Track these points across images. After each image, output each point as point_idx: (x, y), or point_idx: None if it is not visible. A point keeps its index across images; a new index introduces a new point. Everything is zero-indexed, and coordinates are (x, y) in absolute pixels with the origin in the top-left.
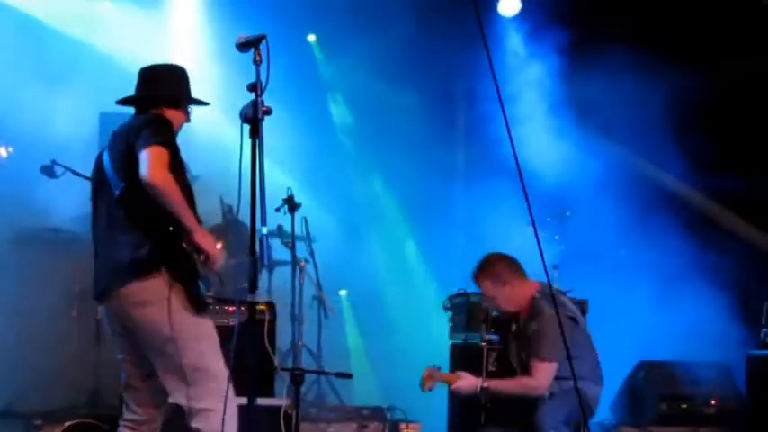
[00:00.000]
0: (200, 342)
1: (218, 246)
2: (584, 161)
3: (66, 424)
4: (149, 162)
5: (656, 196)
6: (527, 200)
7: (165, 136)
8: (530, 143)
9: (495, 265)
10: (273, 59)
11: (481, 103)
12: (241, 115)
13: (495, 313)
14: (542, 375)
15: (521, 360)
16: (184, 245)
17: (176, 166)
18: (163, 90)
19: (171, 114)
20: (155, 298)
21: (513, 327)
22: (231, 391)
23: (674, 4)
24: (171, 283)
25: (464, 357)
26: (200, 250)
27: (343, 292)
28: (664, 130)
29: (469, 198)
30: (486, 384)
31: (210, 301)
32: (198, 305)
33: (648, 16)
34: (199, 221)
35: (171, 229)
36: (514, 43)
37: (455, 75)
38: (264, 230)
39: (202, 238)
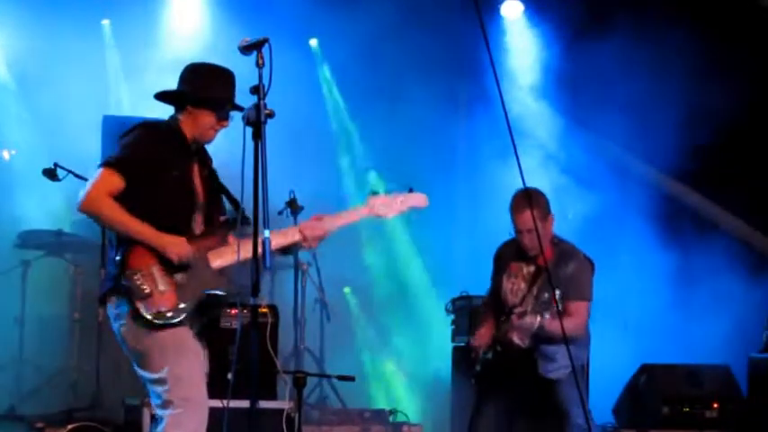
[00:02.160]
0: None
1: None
2: (586, 162)
3: (69, 427)
4: (87, 186)
5: (657, 198)
6: (531, 205)
7: (126, 152)
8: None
9: (541, 197)
10: (275, 61)
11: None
12: (243, 118)
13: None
14: (585, 315)
15: (537, 300)
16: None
17: (159, 177)
18: (190, 87)
19: (194, 114)
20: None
21: (527, 269)
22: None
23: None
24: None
25: (466, 360)
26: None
27: (347, 290)
28: (663, 130)
29: (472, 199)
30: (544, 323)
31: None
32: (147, 323)
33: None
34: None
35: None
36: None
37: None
38: (267, 233)
39: (158, 241)
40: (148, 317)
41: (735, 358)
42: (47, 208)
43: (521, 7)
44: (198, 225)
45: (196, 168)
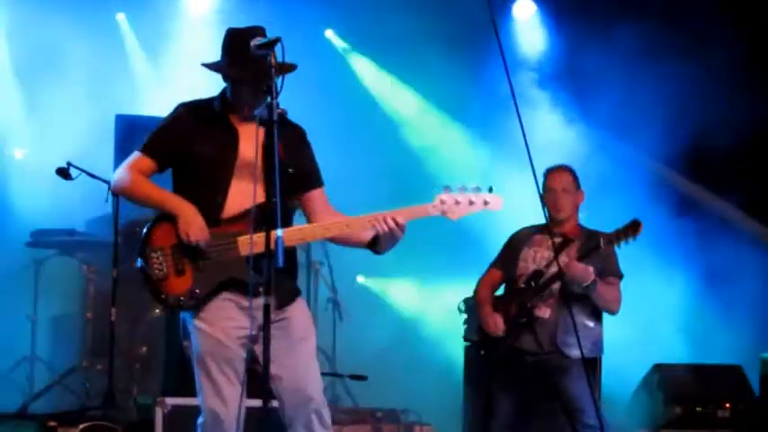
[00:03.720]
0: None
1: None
2: (591, 158)
3: (81, 426)
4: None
5: (668, 199)
6: (545, 214)
7: (152, 133)
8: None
9: (573, 170)
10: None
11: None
12: (255, 117)
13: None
14: (620, 291)
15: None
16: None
17: (187, 156)
18: (221, 60)
19: (231, 87)
20: None
21: (554, 239)
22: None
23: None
24: None
25: (479, 359)
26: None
27: (360, 279)
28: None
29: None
30: (596, 279)
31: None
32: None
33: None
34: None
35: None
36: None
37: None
38: (280, 233)
39: (177, 210)
40: (163, 306)
41: (747, 358)
42: (59, 207)
43: (533, 8)
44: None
45: (253, 138)
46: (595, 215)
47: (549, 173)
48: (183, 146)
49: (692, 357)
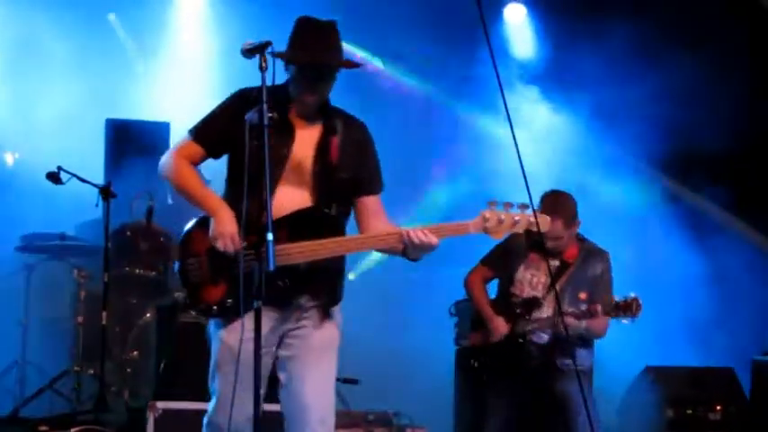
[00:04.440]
0: None
1: (220, 228)
2: (589, 155)
3: (72, 430)
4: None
5: (660, 199)
6: (534, 212)
7: (202, 119)
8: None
9: (569, 204)
10: (279, 65)
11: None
12: (246, 121)
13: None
14: (608, 321)
15: (562, 296)
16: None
17: (235, 148)
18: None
19: (291, 79)
20: None
21: (550, 262)
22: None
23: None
24: None
25: (470, 363)
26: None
27: (351, 276)
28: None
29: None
30: (587, 326)
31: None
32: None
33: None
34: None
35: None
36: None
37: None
38: (270, 237)
39: (212, 213)
40: (195, 311)
41: (739, 361)
42: (50, 212)
43: (524, 11)
44: (294, 206)
45: (309, 140)
46: (585, 208)
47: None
48: (233, 136)
49: (684, 360)
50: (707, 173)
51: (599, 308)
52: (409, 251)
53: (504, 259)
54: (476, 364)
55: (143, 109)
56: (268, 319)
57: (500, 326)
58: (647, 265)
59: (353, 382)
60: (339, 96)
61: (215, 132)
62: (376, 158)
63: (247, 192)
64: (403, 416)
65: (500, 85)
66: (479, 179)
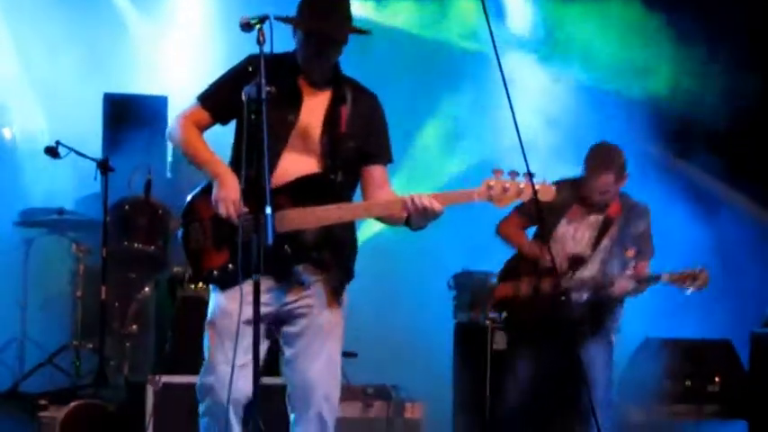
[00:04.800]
0: None
1: (223, 194)
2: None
3: (72, 404)
4: None
5: (659, 170)
6: (533, 184)
7: (211, 85)
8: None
9: (620, 157)
10: (278, 38)
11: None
12: (244, 96)
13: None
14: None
15: (609, 254)
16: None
17: (242, 114)
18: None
19: (299, 47)
20: None
21: (594, 217)
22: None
23: None
24: None
25: (468, 336)
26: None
27: None
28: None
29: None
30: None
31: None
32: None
33: None
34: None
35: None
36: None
37: None
38: (269, 210)
39: (215, 177)
40: (196, 276)
41: (737, 333)
42: (49, 186)
43: None
44: (299, 172)
45: (317, 107)
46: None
47: (591, 173)
48: (240, 102)
49: (683, 332)
50: (706, 144)
51: (647, 271)
52: (413, 219)
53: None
54: (504, 315)
55: (141, 83)
56: (267, 287)
57: (537, 250)
58: None
59: (352, 355)
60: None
61: (222, 98)
62: (385, 130)
63: (249, 159)
64: (401, 389)
65: (495, 51)
66: (481, 149)
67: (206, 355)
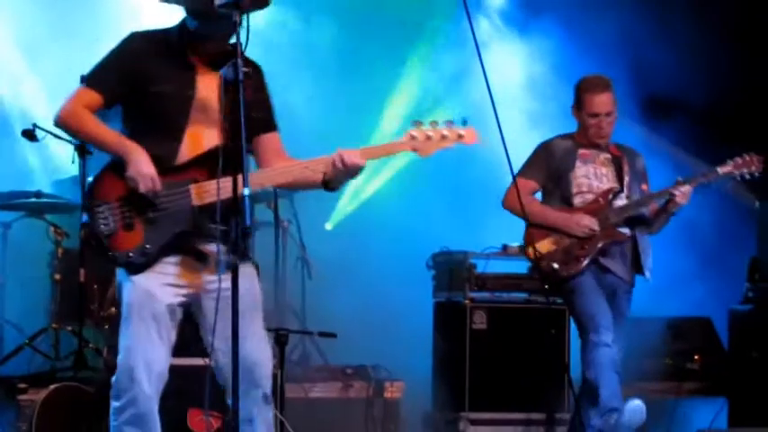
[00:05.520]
0: None
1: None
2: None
3: (51, 387)
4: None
5: (636, 145)
6: (509, 162)
7: (98, 66)
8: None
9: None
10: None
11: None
12: (221, 77)
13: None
14: None
15: (637, 191)
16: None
17: (138, 92)
18: None
19: (195, 24)
20: None
21: (603, 155)
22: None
23: None
24: None
25: (448, 316)
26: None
27: (328, 226)
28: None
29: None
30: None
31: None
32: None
33: None
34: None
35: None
36: None
37: None
38: (247, 191)
39: (125, 155)
40: (108, 261)
41: (716, 311)
42: (26, 169)
43: None
44: (205, 146)
45: (212, 81)
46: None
47: (592, 93)
48: (135, 80)
49: (662, 310)
50: (684, 121)
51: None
52: (334, 179)
53: (549, 164)
54: (555, 265)
55: None
56: (184, 266)
57: (586, 219)
58: None
59: (331, 335)
60: None
61: (115, 78)
62: (271, 98)
63: (156, 138)
64: (381, 369)
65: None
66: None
67: (127, 342)
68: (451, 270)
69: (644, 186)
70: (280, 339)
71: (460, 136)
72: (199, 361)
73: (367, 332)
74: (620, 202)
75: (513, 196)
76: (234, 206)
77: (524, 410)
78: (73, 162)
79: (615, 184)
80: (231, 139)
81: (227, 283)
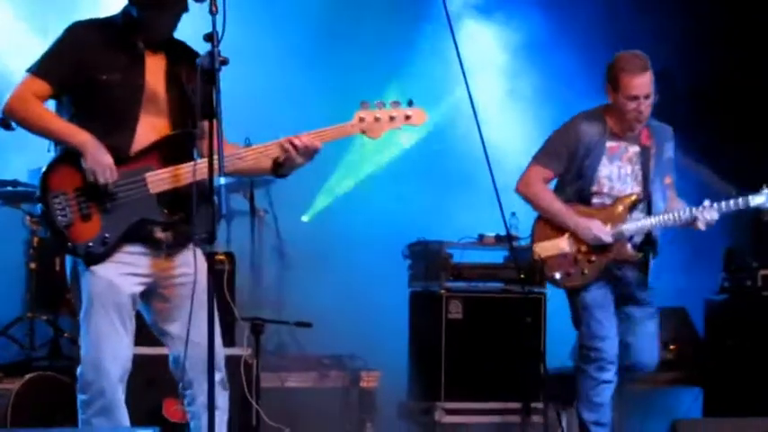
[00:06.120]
0: None
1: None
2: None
3: (27, 377)
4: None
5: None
6: (485, 150)
7: (44, 55)
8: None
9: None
10: (229, 8)
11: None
12: (198, 66)
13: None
14: None
15: (659, 188)
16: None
17: (87, 81)
18: None
19: (142, 13)
20: None
21: (631, 150)
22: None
23: None
24: None
25: (423, 305)
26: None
27: (305, 218)
28: None
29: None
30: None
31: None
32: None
33: None
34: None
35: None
36: None
37: None
38: (222, 181)
39: (80, 145)
40: (65, 251)
41: (692, 301)
42: (1, 158)
43: None
44: (157, 134)
45: (157, 69)
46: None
47: (631, 74)
48: (83, 69)
49: None
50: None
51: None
52: (285, 164)
53: (572, 154)
54: (557, 275)
55: None
56: (141, 255)
57: (600, 229)
58: None
59: (307, 325)
60: None
61: (62, 67)
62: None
63: (108, 128)
64: (357, 359)
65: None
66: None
67: (91, 335)
68: (427, 260)
69: (668, 180)
70: (255, 329)
71: (408, 117)
72: None
73: (343, 322)
74: (639, 213)
75: (529, 182)
76: (191, 193)
77: (500, 399)
78: (49, 151)
79: (638, 190)
80: (176, 123)
81: (185, 269)
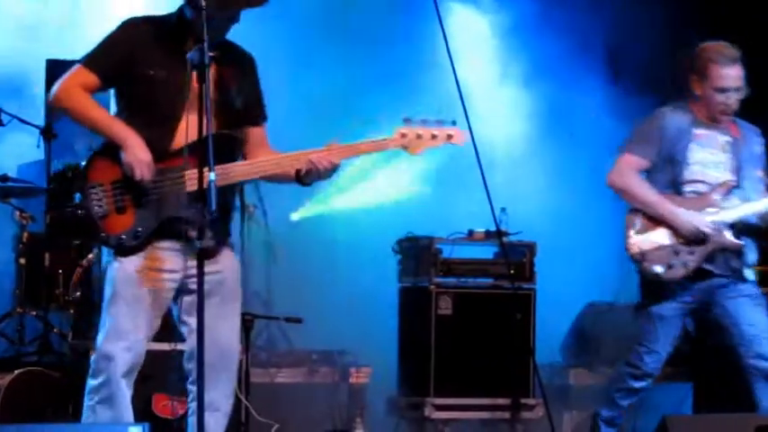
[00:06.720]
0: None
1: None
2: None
3: (16, 372)
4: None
5: (605, 139)
6: (475, 147)
7: (97, 48)
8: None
9: None
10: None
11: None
12: (188, 60)
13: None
14: None
15: (750, 180)
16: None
17: (134, 77)
18: None
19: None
20: None
21: (722, 138)
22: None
23: None
24: None
25: (413, 301)
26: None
27: (295, 216)
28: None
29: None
30: None
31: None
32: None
33: None
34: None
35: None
36: None
37: None
38: (212, 176)
39: (123, 140)
40: (97, 242)
41: None
42: None
43: None
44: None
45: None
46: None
47: (721, 65)
48: (132, 64)
49: (629, 296)
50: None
51: None
52: (307, 176)
53: (662, 140)
54: (659, 269)
55: (85, 49)
56: (172, 252)
57: (700, 220)
58: (579, 202)
59: (297, 321)
60: None
61: (113, 59)
62: (261, 90)
63: (149, 123)
64: (347, 355)
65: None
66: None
67: (110, 323)
68: (417, 255)
69: (759, 172)
70: (245, 324)
71: (450, 136)
72: (165, 346)
73: (333, 317)
74: (733, 199)
75: (623, 172)
76: (214, 193)
77: (489, 395)
78: (38, 146)
79: (732, 177)
80: (222, 126)
81: (215, 266)
